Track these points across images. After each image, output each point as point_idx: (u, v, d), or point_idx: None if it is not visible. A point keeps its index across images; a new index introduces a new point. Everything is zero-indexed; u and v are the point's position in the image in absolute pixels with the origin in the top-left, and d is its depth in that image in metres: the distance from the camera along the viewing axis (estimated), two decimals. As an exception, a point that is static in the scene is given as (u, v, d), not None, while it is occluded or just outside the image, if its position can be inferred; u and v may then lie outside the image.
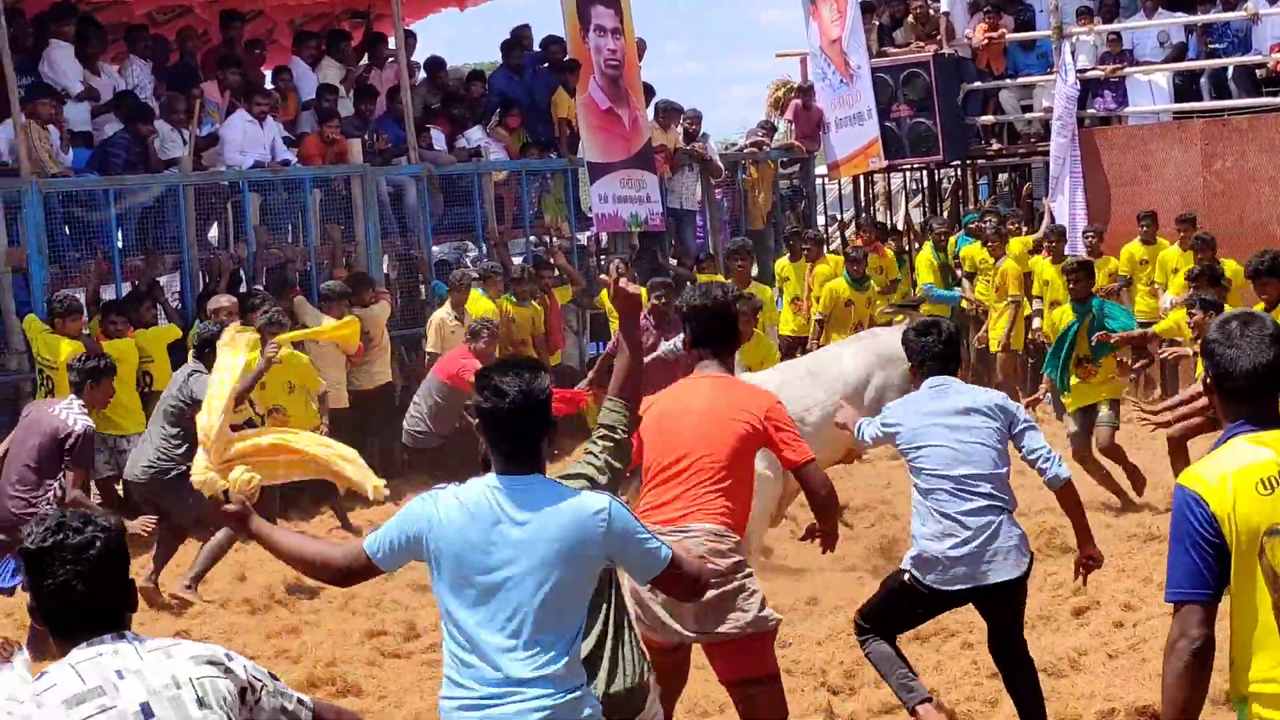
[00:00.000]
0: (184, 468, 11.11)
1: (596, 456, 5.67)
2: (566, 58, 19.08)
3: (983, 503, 7.37)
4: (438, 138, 18.13)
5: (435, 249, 18.16)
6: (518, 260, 18.04)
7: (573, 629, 5.03)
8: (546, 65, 19.48)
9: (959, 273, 18.96)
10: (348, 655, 9.70)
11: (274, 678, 4.32)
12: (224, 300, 13.99)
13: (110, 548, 4.08)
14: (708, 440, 6.71)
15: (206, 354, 11.46)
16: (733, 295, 7.24)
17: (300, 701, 4.36)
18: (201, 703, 4.04)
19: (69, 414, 10.31)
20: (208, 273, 15.83)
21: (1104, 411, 12.98)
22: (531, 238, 18.79)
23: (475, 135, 18.49)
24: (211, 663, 4.13)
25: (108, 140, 15.42)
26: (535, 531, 4.96)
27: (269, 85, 17.60)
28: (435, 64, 19.62)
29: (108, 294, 14.99)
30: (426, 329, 15.88)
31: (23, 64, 15.09)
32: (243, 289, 15.35)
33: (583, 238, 19.74)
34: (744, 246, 16.57)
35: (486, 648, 4.93)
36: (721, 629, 6.61)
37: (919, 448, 7.47)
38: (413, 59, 19.01)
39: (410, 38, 18.89)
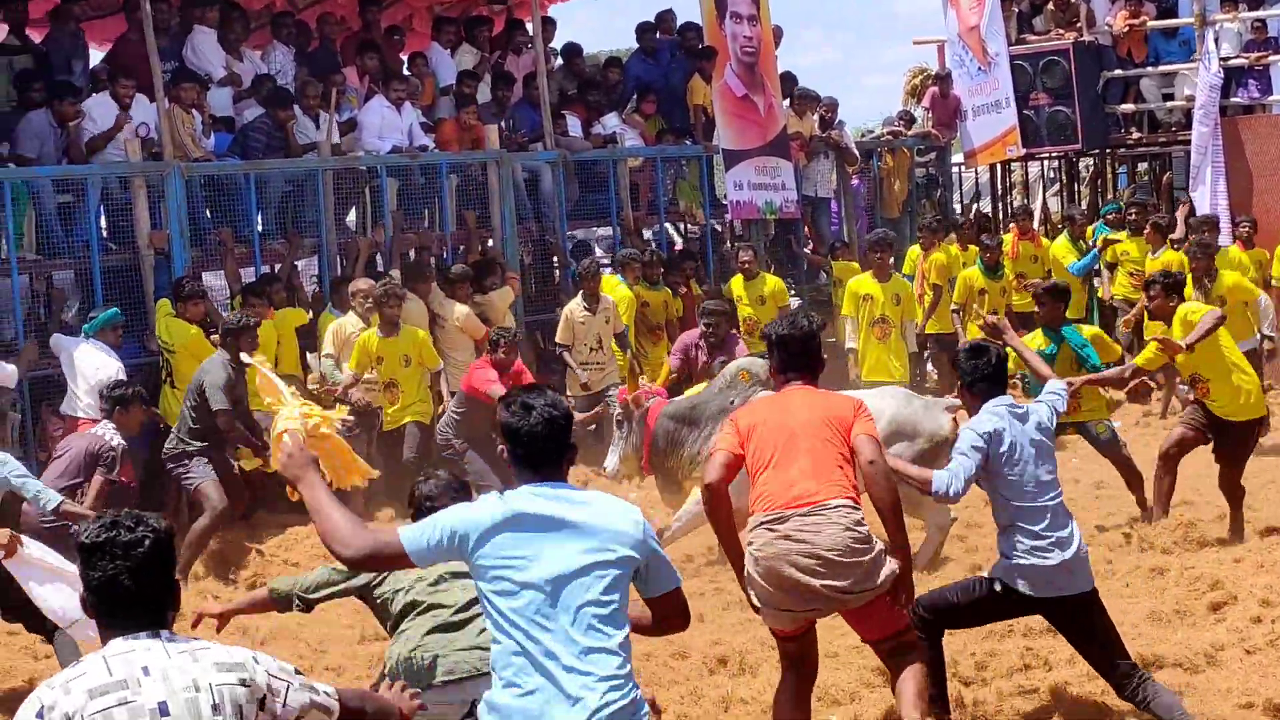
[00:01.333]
0: (190, 448, 12.14)
1: None
2: (703, 44, 18.93)
3: (1065, 514, 7.70)
4: (574, 124, 18.04)
5: (570, 234, 18.08)
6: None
7: (622, 630, 5.12)
8: (683, 52, 19.35)
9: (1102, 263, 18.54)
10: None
11: (298, 673, 4.54)
12: (361, 284, 14.03)
13: (159, 547, 4.37)
14: (816, 432, 7.06)
15: (229, 342, 12.23)
16: (816, 325, 7.60)
17: (327, 693, 4.59)
18: (216, 709, 4.28)
19: (106, 432, 11.14)
20: (345, 256, 15.86)
21: (1097, 432, 12.16)
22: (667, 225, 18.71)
23: (611, 122, 18.39)
24: (233, 670, 4.37)
25: (248, 125, 15.48)
26: (576, 535, 5.11)
27: (406, 71, 17.59)
28: (572, 50, 19.55)
29: (248, 277, 15.02)
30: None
31: (167, 49, 15.21)
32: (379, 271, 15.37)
33: (717, 224, 19.59)
34: (884, 239, 16.16)
35: (542, 647, 5.00)
36: (858, 599, 6.97)
37: (1015, 465, 7.61)
38: (550, 45, 18.96)
39: (548, 24, 18.83)
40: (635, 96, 18.99)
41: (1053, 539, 7.53)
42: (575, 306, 15.28)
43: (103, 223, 14.48)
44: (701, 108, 19.05)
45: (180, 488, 12.65)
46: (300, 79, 16.22)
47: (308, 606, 6.79)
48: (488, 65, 18.11)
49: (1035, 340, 11.92)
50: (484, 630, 5.45)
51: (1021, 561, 7.54)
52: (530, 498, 5.17)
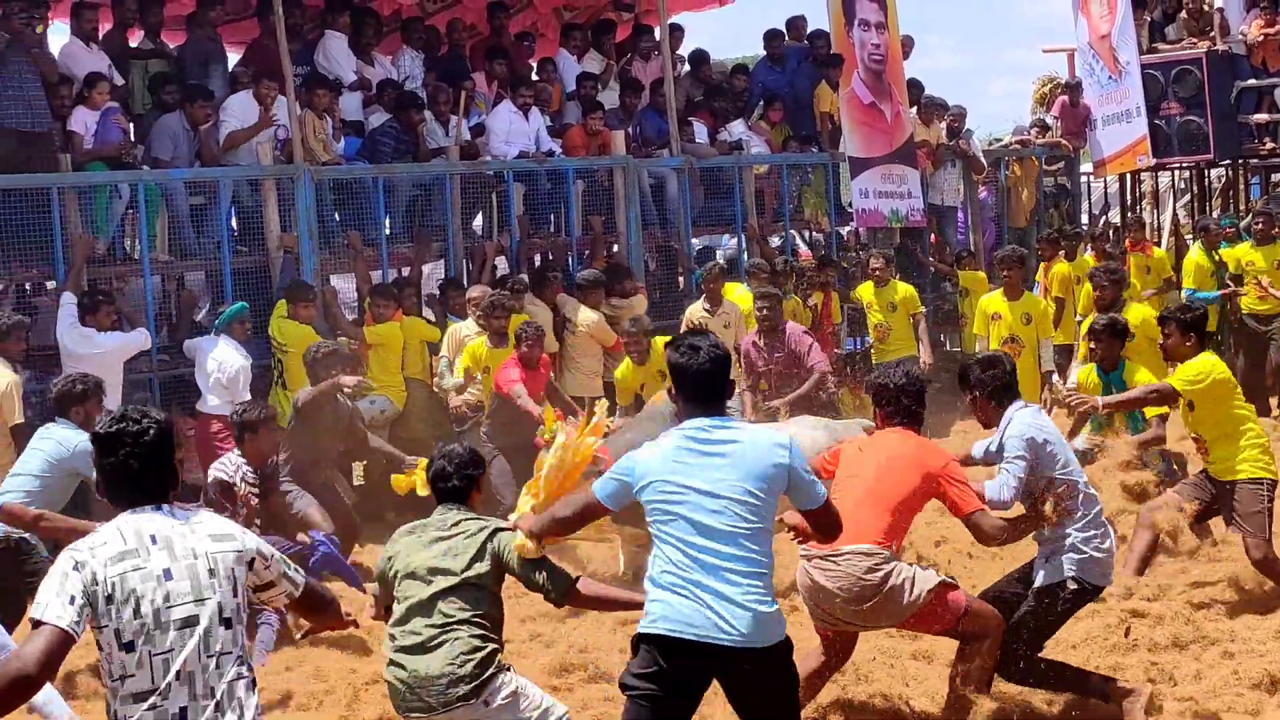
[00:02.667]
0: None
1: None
2: (830, 52, 18.72)
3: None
4: (700, 130, 17.91)
5: (694, 241, 17.92)
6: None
7: (766, 546, 5.97)
8: (810, 59, 19.15)
9: (1226, 276, 18.06)
10: (600, 642, 9.46)
11: (283, 559, 5.32)
12: (475, 291, 13.83)
13: (161, 436, 5.06)
14: (883, 477, 7.41)
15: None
16: (919, 376, 7.94)
17: (297, 572, 5.36)
18: (212, 573, 4.97)
19: (221, 471, 10.56)
20: (471, 261, 15.81)
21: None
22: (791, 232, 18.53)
23: (737, 128, 18.24)
24: (224, 540, 5.08)
25: (378, 129, 15.48)
26: (735, 462, 5.94)
27: (535, 77, 17.53)
28: (699, 57, 19.40)
29: (375, 280, 14.99)
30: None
31: (299, 54, 15.26)
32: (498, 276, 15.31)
33: (843, 232, 19.37)
34: (1013, 255, 15.27)
35: (704, 568, 5.84)
36: (892, 623, 7.48)
37: (1064, 463, 7.78)
38: (677, 52, 18.82)
39: (676, 31, 18.69)
40: (762, 103, 18.85)
41: (1105, 528, 7.87)
42: (696, 308, 14.96)
43: (233, 224, 14.52)
44: (828, 115, 18.88)
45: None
46: (430, 84, 16.22)
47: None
48: (613, 72, 18.02)
49: (1085, 374, 11.29)
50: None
51: (1095, 554, 7.73)
52: (695, 431, 6.00)
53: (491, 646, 6.53)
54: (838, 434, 10.99)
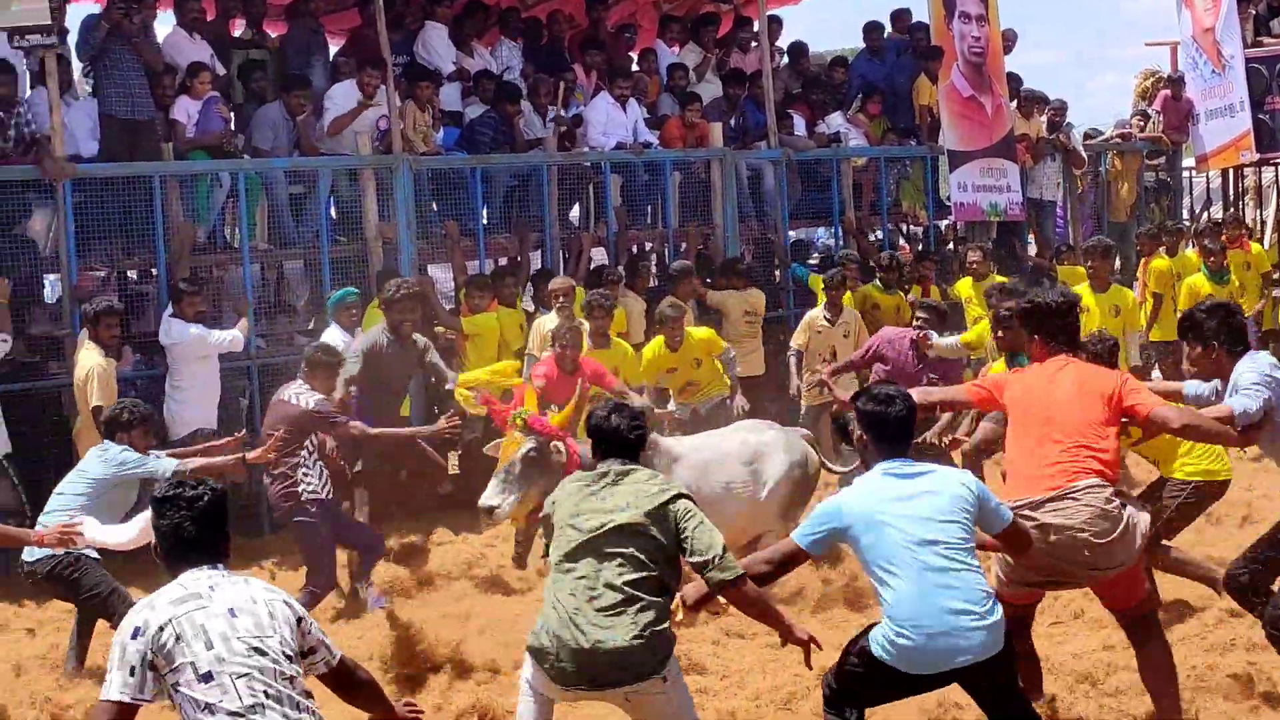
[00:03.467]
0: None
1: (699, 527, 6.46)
2: (930, 44, 18.47)
3: None
4: (798, 123, 17.72)
5: (791, 234, 17.74)
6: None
7: (974, 560, 6.37)
8: (909, 51, 18.91)
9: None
10: (692, 634, 9.34)
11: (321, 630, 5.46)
12: (557, 282, 13.63)
13: (216, 502, 5.30)
14: (1081, 407, 7.19)
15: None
16: (1070, 297, 7.74)
17: (335, 647, 5.49)
18: (272, 615, 5.19)
19: (297, 396, 10.58)
20: (568, 252, 15.72)
21: None
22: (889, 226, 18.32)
23: (835, 121, 18.01)
24: (277, 593, 5.31)
25: (476, 120, 15.41)
26: (938, 490, 6.39)
27: (635, 69, 17.41)
28: (798, 49, 19.19)
29: (472, 270, 14.94)
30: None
31: (399, 44, 15.23)
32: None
33: (941, 225, 19.13)
34: (1098, 246, 14.58)
35: (927, 588, 6.21)
36: (1120, 564, 7.11)
37: None
38: (776, 44, 18.64)
39: (775, 23, 18.50)
40: (860, 96, 18.58)
41: None
42: (817, 315, 14.38)
43: (332, 214, 14.50)
44: (927, 108, 18.61)
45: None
46: (530, 75, 16.13)
47: None
48: (711, 64, 17.87)
49: (998, 369, 10.70)
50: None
51: None
52: (894, 468, 6.47)
53: (667, 619, 6.30)
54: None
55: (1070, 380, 7.29)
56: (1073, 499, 6.96)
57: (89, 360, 11.56)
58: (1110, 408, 7.18)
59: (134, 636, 5.02)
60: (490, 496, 9.32)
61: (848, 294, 14.82)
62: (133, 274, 13.81)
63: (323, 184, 14.04)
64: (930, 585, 6.21)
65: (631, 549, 6.24)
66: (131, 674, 4.98)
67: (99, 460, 9.45)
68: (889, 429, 6.54)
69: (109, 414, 9.65)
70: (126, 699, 4.96)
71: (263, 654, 5.08)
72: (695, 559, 6.29)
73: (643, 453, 6.75)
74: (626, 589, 6.16)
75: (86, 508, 9.16)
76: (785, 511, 10.37)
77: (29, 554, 9.24)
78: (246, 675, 5.03)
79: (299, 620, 5.29)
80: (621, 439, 6.58)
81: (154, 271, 13.53)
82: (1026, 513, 6.91)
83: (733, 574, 6.26)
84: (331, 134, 14.30)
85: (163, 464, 9.43)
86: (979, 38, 18.55)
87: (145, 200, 12.95)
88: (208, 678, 5.00)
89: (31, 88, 13.13)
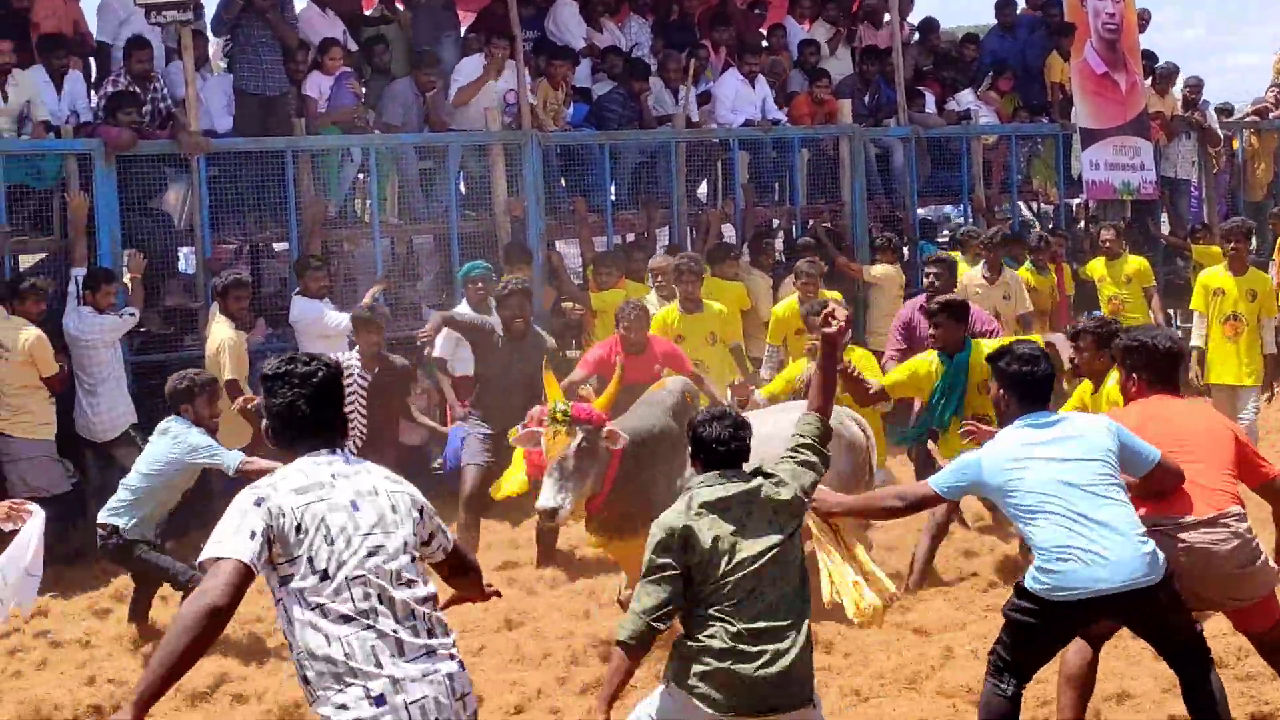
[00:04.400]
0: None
1: (798, 454, 6.22)
2: (1063, 20, 18.09)
3: None
4: (928, 100, 17.42)
5: (919, 211, 17.46)
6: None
7: (1124, 495, 6.43)
8: (1042, 28, 18.53)
9: None
10: (819, 612, 9.15)
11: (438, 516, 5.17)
12: (657, 260, 13.38)
13: (330, 378, 4.94)
14: (1214, 439, 6.99)
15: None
16: (1178, 344, 7.48)
17: (448, 531, 5.22)
18: (394, 509, 4.89)
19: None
20: (695, 229, 15.56)
21: None
22: (1019, 204, 17.98)
23: (966, 98, 17.71)
24: (400, 483, 5.01)
25: (604, 96, 15.29)
26: (1080, 434, 6.50)
27: (765, 45, 17.19)
28: (929, 26, 18.87)
29: (600, 247, 14.84)
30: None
31: (530, 19, 15.13)
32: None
33: (1072, 204, 18.75)
34: (1241, 227, 13.93)
35: (1074, 522, 6.28)
36: (1255, 595, 6.91)
37: None
38: (907, 20, 18.35)
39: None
40: (991, 73, 18.25)
41: None
42: (974, 274, 13.97)
43: (461, 189, 14.43)
44: (1059, 85, 18.23)
45: None
46: (660, 51, 15.98)
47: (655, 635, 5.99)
48: (841, 39, 17.62)
49: (926, 364, 10.25)
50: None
51: None
52: (1034, 420, 6.57)
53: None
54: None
55: (1193, 413, 7.18)
56: (1222, 525, 6.73)
57: (221, 333, 11.58)
58: (1238, 451, 6.96)
59: (255, 505, 4.68)
60: (549, 498, 8.39)
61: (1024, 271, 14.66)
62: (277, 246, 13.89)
63: (452, 159, 13.97)
64: (1078, 519, 6.26)
65: (790, 573, 5.91)
66: (251, 537, 4.60)
67: (169, 441, 9.32)
68: (1034, 388, 6.61)
69: (171, 384, 9.47)
70: (247, 559, 4.55)
71: (381, 554, 4.78)
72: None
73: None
74: (792, 610, 5.86)
75: (151, 490, 9.20)
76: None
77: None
78: (362, 577, 4.72)
79: (421, 510, 4.99)
80: (724, 449, 6.07)
81: (277, 245, 13.60)
82: (1172, 532, 6.65)
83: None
84: (457, 104, 14.23)
85: (229, 457, 9.18)
86: (1113, 14, 18.15)
87: (277, 175, 12.98)
88: (324, 575, 4.68)
89: (167, 63, 13.19)
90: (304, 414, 4.88)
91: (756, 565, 5.80)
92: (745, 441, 6.11)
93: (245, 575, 4.55)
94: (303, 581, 4.67)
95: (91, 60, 13.70)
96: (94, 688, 8.69)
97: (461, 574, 5.38)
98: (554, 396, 8.73)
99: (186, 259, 13.89)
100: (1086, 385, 9.35)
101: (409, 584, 4.82)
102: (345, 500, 4.79)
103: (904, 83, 16.70)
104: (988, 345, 9.86)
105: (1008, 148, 17.88)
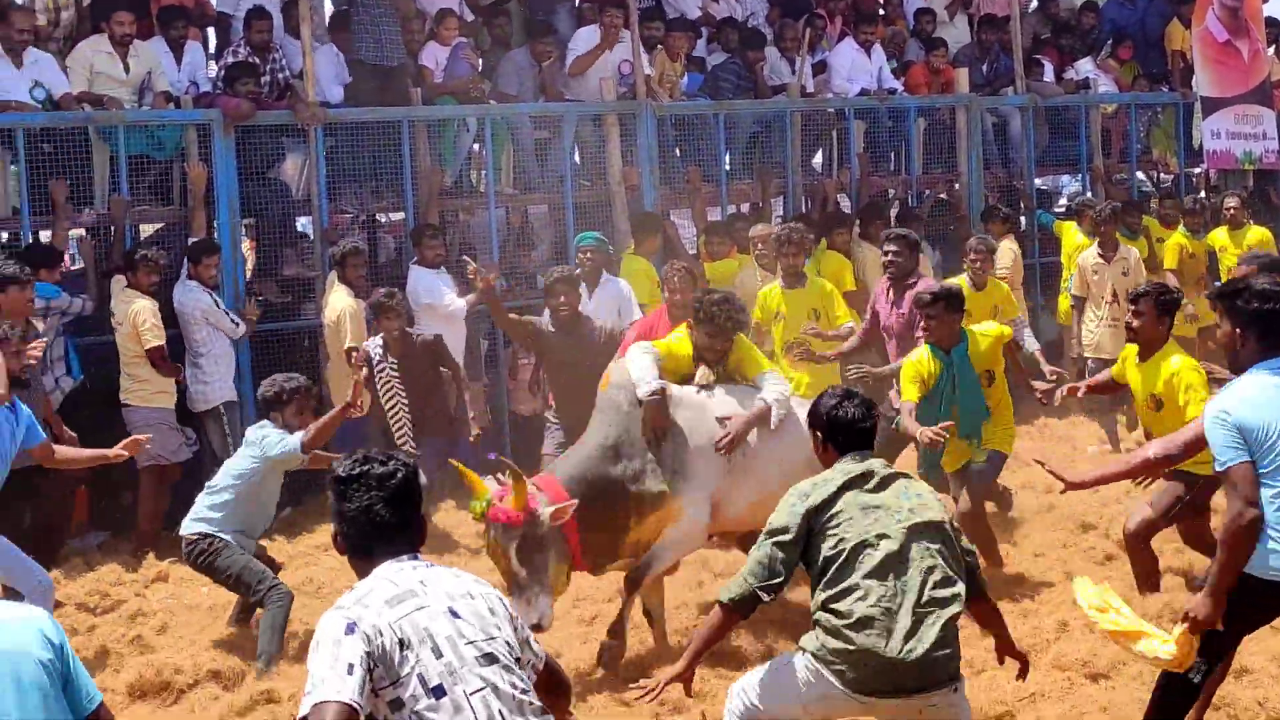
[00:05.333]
0: None
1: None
2: (1184, -12, 17.68)
3: None
4: (1047, 69, 17.05)
5: (1037, 181, 17.10)
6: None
7: None
8: (1163, -5, 18.14)
9: None
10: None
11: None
12: (758, 229, 12.93)
13: (409, 477, 4.49)
14: None
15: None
16: None
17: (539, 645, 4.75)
18: (492, 611, 4.44)
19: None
20: (810, 198, 15.32)
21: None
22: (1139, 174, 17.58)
23: (1085, 67, 17.35)
24: (491, 588, 4.56)
25: (719, 66, 15.08)
26: None
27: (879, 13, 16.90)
28: (1049, -7, 18.52)
29: (714, 216, 14.65)
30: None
31: (645, -12, 14.98)
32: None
33: (1193, 173, 18.31)
34: None
35: None
36: None
37: None
38: (1026, -12, 18.03)
39: (1024, -35, 17.88)
40: (1111, 41, 17.88)
41: None
42: (1089, 255, 13.54)
43: (576, 159, 14.29)
44: (1180, 53, 17.84)
45: None
46: (776, 21, 15.74)
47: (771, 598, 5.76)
48: (959, 7, 17.29)
49: (925, 364, 9.39)
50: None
51: None
52: (1265, 373, 5.78)
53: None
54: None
55: None
56: None
57: (340, 302, 11.51)
58: None
59: (348, 632, 4.19)
60: (529, 616, 7.33)
61: (1174, 240, 14.32)
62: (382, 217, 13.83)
63: (567, 129, 13.83)
64: None
65: (936, 553, 5.62)
66: (350, 672, 4.12)
67: (244, 449, 9.00)
68: (1276, 325, 5.83)
69: (262, 392, 9.10)
70: (351, 700, 4.08)
71: (493, 661, 4.36)
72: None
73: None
74: (937, 588, 5.57)
75: (235, 502, 8.79)
76: None
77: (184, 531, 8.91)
78: (481, 690, 4.28)
79: (511, 617, 4.57)
80: (858, 429, 5.80)
81: (388, 215, 13.53)
82: None
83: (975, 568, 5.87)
84: (573, 73, 14.07)
85: (290, 440, 8.77)
86: (1236, -19, 17.68)
87: (394, 145, 12.90)
88: (438, 692, 4.23)
89: (285, 33, 13.13)
90: (383, 519, 4.45)
91: (897, 540, 5.55)
92: (876, 420, 5.87)
93: (351, 717, 4.10)
94: (417, 704, 4.22)
95: (211, 31, 13.70)
96: (214, 653, 8.66)
97: (551, 691, 4.80)
98: (479, 494, 7.60)
99: (304, 228, 13.87)
100: (1128, 350, 8.80)
101: (524, 690, 4.43)
102: (443, 607, 4.36)
103: (1022, 51, 16.34)
104: (984, 333, 9.49)
105: (1127, 117, 17.52)
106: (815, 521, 5.61)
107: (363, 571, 4.46)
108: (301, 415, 8.97)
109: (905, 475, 5.82)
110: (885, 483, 5.72)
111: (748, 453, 8.31)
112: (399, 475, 4.47)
